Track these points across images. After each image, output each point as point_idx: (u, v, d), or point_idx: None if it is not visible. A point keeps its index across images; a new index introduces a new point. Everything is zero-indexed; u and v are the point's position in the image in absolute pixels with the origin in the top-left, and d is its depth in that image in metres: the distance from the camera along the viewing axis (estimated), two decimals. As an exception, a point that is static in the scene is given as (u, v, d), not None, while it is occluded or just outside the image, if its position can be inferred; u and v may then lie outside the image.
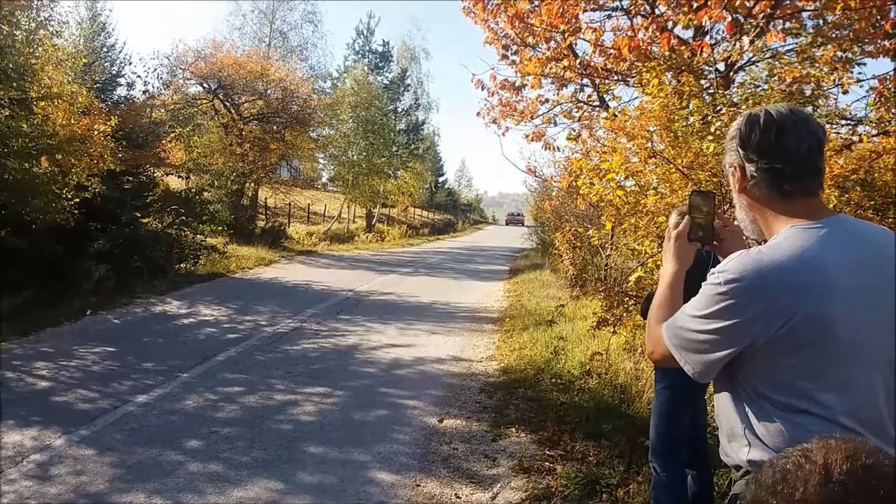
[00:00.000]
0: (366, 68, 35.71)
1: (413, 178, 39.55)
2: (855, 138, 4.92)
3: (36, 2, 9.36)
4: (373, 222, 34.43)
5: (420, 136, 42.52)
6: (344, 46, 64.67)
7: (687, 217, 1.71)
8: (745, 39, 5.22)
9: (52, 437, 4.70)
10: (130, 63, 27.79)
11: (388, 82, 39.12)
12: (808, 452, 0.78)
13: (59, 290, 9.50)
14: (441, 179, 62.13)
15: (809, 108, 4.83)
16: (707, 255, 1.82)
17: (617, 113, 5.64)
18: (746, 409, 1.44)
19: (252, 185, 22.88)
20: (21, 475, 4.09)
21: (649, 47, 6.02)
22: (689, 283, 1.67)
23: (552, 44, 6.89)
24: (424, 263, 20.73)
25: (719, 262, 1.80)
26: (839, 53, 5.15)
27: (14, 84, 8.57)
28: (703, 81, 5.65)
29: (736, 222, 1.70)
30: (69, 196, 9.67)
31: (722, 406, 1.53)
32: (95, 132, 10.35)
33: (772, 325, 1.36)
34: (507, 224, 63.26)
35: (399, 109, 40.05)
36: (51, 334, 7.87)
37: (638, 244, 5.89)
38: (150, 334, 8.30)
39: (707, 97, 5.31)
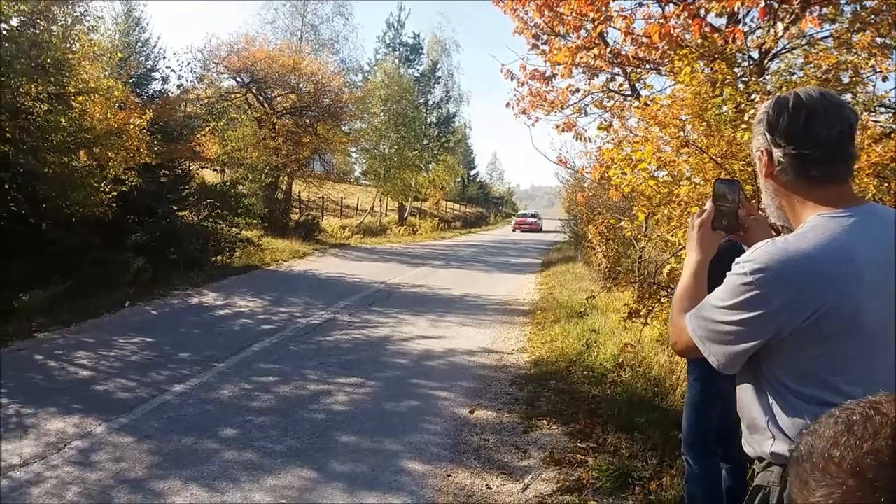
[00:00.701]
0: (396, 61, 35.80)
1: (444, 171, 39.62)
2: (895, 126, 4.77)
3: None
4: (405, 215, 34.57)
5: (451, 129, 42.42)
6: (375, 39, 64.62)
7: (710, 205, 1.68)
8: (780, 26, 5.08)
9: (92, 425, 4.84)
10: (164, 58, 28.31)
11: (418, 75, 39.08)
12: (877, 405, 0.75)
13: (99, 281, 9.74)
14: (473, 172, 61.97)
15: (848, 96, 4.69)
16: (732, 244, 1.78)
17: (648, 102, 5.55)
18: (770, 400, 1.41)
19: (286, 178, 23.14)
20: (63, 461, 4.22)
21: (681, 35, 5.91)
22: (713, 273, 1.64)
23: (582, 32, 6.79)
24: (456, 256, 20.75)
25: (744, 252, 1.77)
26: (878, 39, 4.98)
27: (52, 79, 8.77)
28: (736, 69, 5.52)
29: (762, 208, 1.66)
30: (107, 189, 9.88)
31: (745, 397, 1.50)
32: (131, 126, 10.56)
33: (797, 317, 1.33)
34: (515, 230, 42.41)
35: (430, 102, 40.01)
36: (91, 325, 8.09)
37: (671, 235, 5.80)
38: (187, 325, 8.47)
39: (741, 85, 5.19)
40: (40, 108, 8.97)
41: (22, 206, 9.20)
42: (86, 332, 7.73)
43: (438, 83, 41.81)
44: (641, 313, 5.84)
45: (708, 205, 1.69)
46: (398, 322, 9.18)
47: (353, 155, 34.06)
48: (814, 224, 1.40)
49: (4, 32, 8.39)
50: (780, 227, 1.62)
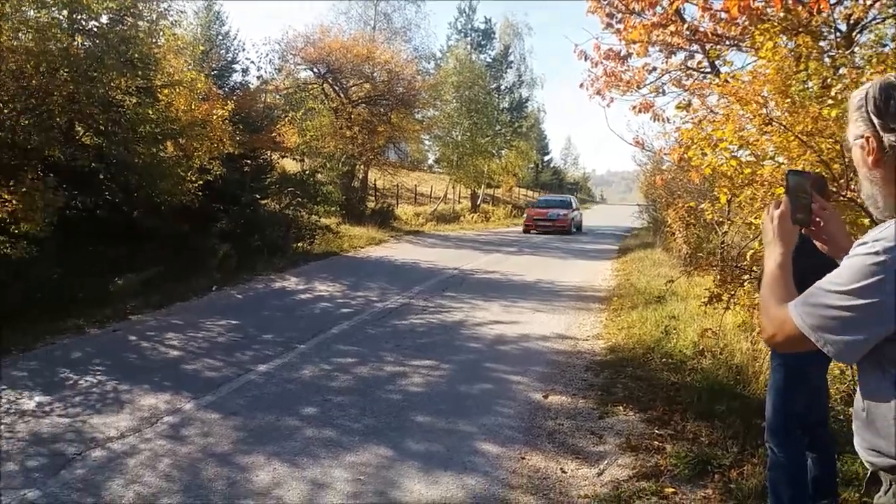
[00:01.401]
0: (468, 47, 35.68)
1: (517, 157, 39.25)
2: None
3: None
4: (478, 202, 34.55)
5: (524, 114, 42.00)
6: (446, 26, 64.61)
7: (786, 198, 1.62)
8: (869, -5, 4.78)
9: (182, 402, 5.10)
10: (244, 50, 29.15)
11: (490, 60, 38.87)
12: None
13: (188, 267, 10.23)
14: (546, 158, 61.25)
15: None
16: (802, 238, 1.70)
17: (729, 79, 5.34)
18: None
19: (362, 166, 23.56)
20: (156, 434, 4.47)
21: (763, 8, 5.64)
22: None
23: (658, 9, 6.60)
24: (529, 243, 20.61)
25: (815, 246, 1.68)
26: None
27: (140, 73, 9.20)
28: (822, 43, 5.23)
29: (856, 190, 1.58)
30: (193, 178, 10.32)
31: (875, 389, 1.37)
32: (214, 117, 10.97)
33: None
34: (529, 230, 24.96)
35: (502, 87, 39.73)
36: (180, 307, 8.52)
37: (755, 217, 5.58)
38: (270, 308, 8.79)
39: (827, 59, 4.91)
40: (129, 101, 9.43)
41: (115, 195, 9.74)
42: (175, 314, 8.15)
43: (511, 68, 41.43)
44: (723, 298, 5.65)
45: (784, 197, 1.63)
46: (471, 307, 9.22)
47: (427, 143, 34.29)
48: None
49: (95, 29, 8.86)
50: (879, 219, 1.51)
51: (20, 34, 7.70)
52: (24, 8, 7.77)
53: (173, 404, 5.04)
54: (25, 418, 4.66)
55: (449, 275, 12.38)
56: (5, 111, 7.69)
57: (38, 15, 7.92)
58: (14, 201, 6.83)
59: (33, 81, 7.74)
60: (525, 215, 26.56)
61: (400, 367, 6.17)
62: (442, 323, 8.18)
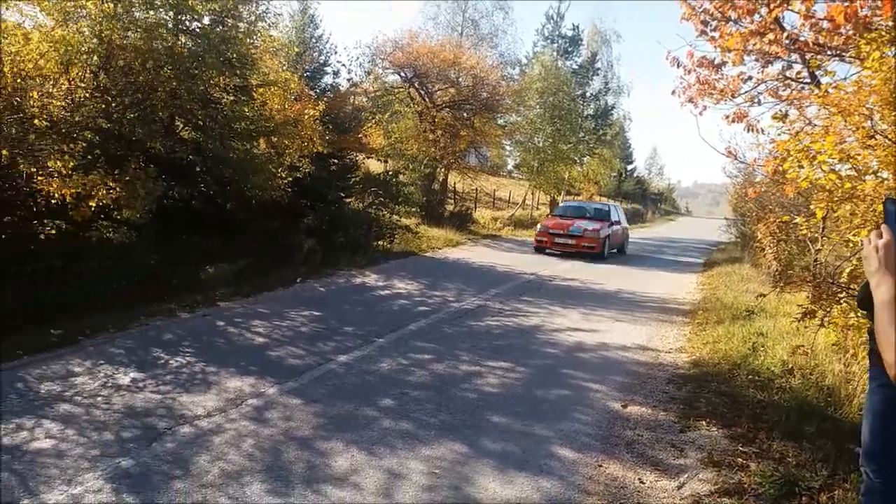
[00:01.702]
0: (554, 53, 35.43)
1: (600, 165, 38.67)
2: None
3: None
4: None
5: (609, 122, 41.33)
6: (533, 32, 64.35)
7: (885, 226, 1.54)
8: None
9: (266, 386, 5.29)
10: (336, 52, 29.93)
11: (576, 67, 38.44)
12: None
13: (276, 260, 10.61)
14: (630, 167, 59.88)
15: None
16: None
17: (830, 89, 5.10)
18: None
19: (443, 169, 23.77)
20: (240, 416, 4.65)
21: (870, 17, 5.35)
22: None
23: (756, 17, 6.37)
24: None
25: None
26: None
27: (237, 72, 9.63)
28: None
29: None
30: (283, 175, 10.70)
31: None
32: (306, 116, 11.36)
33: None
34: (544, 245, 16.89)
35: (587, 94, 39.21)
36: (267, 297, 8.83)
37: (853, 234, 5.31)
38: (351, 303, 8.99)
39: (941, 71, 4.61)
40: (227, 98, 9.88)
41: (210, 188, 10.22)
42: (262, 303, 8.46)
43: (597, 75, 40.88)
44: (817, 314, 5.39)
45: (884, 227, 1.56)
46: (549, 313, 9.15)
47: (507, 148, 34.22)
48: None
49: (198, 30, 9.35)
50: None
51: (129, 33, 8.22)
52: (133, 9, 8.29)
53: (257, 388, 5.23)
54: (121, 392, 4.95)
55: (526, 279, 12.32)
56: (114, 104, 8.20)
57: (147, 16, 8.43)
58: (118, 188, 7.26)
59: (140, 77, 8.24)
60: (538, 227, 18.06)
61: (475, 367, 6.19)
62: (518, 326, 8.16)
